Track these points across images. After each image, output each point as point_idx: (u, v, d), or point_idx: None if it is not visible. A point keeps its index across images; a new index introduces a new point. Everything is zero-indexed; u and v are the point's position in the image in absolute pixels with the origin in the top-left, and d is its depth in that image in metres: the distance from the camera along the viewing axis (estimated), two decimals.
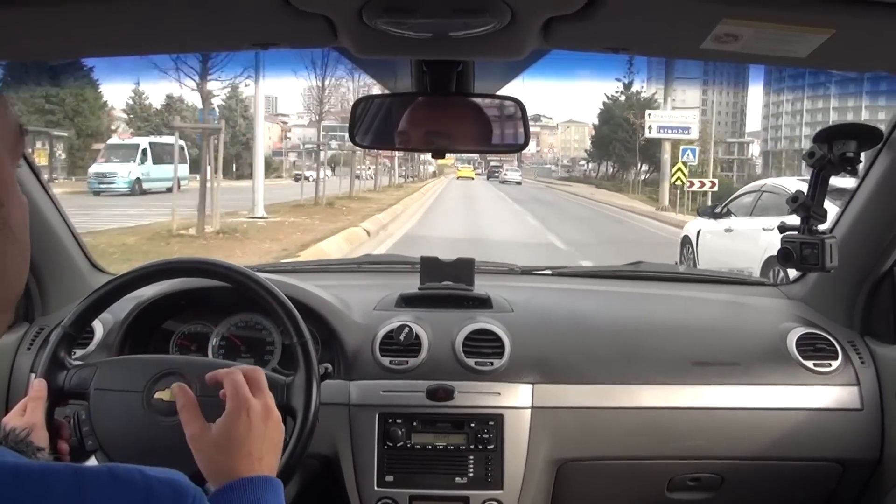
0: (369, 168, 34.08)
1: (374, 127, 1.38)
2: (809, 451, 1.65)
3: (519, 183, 44.30)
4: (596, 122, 47.51)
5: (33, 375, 1.63)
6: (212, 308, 1.74)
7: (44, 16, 0.90)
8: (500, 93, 1.43)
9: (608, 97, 43.70)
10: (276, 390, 1.25)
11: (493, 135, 1.37)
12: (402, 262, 2.26)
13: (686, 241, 9.72)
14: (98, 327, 1.70)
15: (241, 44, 1.08)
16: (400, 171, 41.69)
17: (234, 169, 30.97)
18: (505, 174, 48.30)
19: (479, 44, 1.02)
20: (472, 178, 52.34)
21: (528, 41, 1.03)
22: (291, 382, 1.25)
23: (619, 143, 41.94)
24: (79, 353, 1.63)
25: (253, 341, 1.74)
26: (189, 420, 1.02)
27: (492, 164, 59.87)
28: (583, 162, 64.94)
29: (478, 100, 1.37)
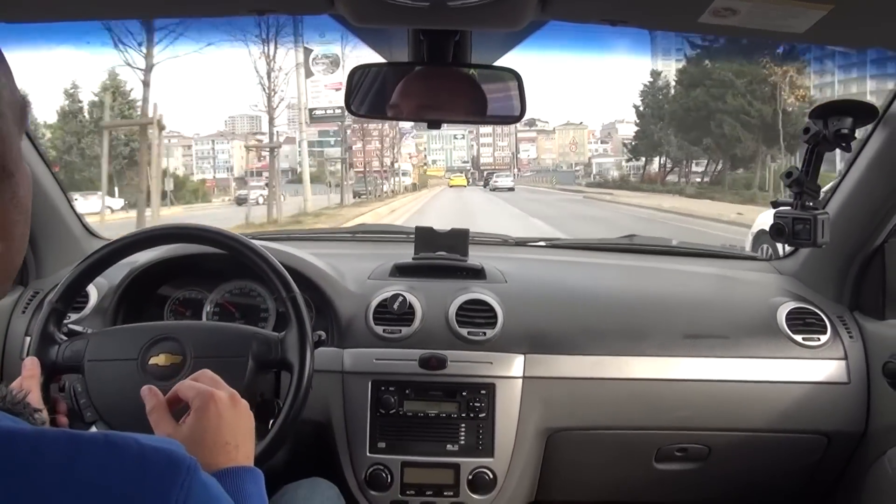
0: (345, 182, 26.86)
1: (370, 96, 1.37)
2: (796, 424, 1.68)
3: (511, 189, 38.11)
4: (638, 103, 36.80)
5: (28, 339, 1.65)
6: (206, 274, 1.75)
7: None
8: (496, 64, 1.42)
9: (694, 44, 28.02)
10: (270, 346, 1.26)
11: (488, 106, 1.36)
12: (396, 231, 2.26)
13: (762, 235, 7.49)
14: (93, 292, 1.71)
15: (238, 9, 1.08)
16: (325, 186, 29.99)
17: (117, 193, 24.28)
18: (495, 181, 41.13)
19: (477, 13, 1.01)
20: (465, 186, 47.56)
21: (526, 11, 1.02)
22: (284, 337, 1.26)
23: (729, 117, 26.57)
24: (73, 317, 1.64)
25: (247, 308, 1.75)
26: (158, 421, 0.99)
27: (485, 171, 54.27)
28: (579, 168, 57.66)
29: (474, 71, 1.36)
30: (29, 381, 1.13)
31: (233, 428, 0.96)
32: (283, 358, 1.26)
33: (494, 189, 38.18)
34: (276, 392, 1.35)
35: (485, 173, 54.84)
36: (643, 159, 38.27)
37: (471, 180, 56.32)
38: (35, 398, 1.10)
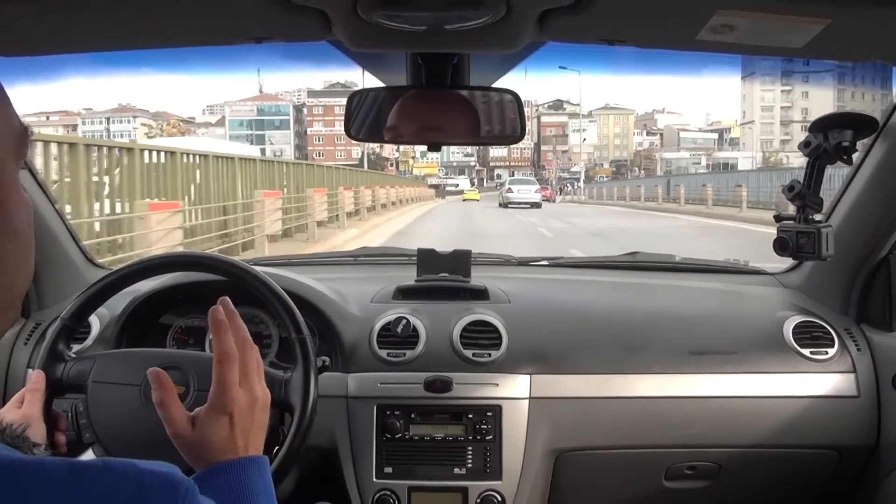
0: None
1: (368, 120, 1.37)
2: (806, 439, 1.66)
3: (538, 205, 27.91)
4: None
5: (30, 371, 1.64)
6: (209, 302, 1.73)
7: (31, 9, 0.89)
8: (495, 85, 1.43)
9: None
10: (274, 386, 1.25)
11: (487, 127, 1.37)
12: (398, 254, 2.25)
13: None
14: (95, 322, 1.70)
15: (236, 38, 1.08)
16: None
17: None
18: (509, 191, 29.79)
19: (475, 36, 1.01)
20: (478, 200, 39.44)
21: (524, 33, 1.02)
22: (289, 379, 1.25)
23: None
24: (76, 347, 1.63)
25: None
26: (168, 418, 0.96)
27: (496, 169, 43.12)
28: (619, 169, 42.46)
29: (473, 92, 1.37)
30: (32, 393, 1.14)
31: (245, 433, 0.95)
32: (286, 400, 1.24)
33: (508, 204, 27.86)
34: (280, 419, 1.34)
35: (495, 172, 44.61)
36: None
37: (475, 182, 43.10)
38: (35, 413, 1.10)
